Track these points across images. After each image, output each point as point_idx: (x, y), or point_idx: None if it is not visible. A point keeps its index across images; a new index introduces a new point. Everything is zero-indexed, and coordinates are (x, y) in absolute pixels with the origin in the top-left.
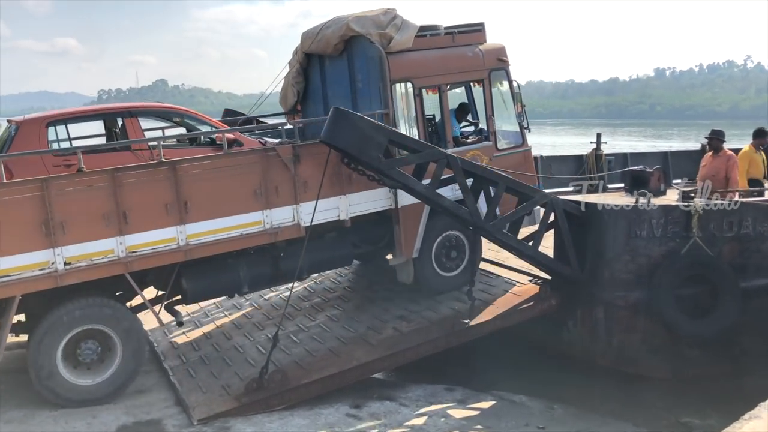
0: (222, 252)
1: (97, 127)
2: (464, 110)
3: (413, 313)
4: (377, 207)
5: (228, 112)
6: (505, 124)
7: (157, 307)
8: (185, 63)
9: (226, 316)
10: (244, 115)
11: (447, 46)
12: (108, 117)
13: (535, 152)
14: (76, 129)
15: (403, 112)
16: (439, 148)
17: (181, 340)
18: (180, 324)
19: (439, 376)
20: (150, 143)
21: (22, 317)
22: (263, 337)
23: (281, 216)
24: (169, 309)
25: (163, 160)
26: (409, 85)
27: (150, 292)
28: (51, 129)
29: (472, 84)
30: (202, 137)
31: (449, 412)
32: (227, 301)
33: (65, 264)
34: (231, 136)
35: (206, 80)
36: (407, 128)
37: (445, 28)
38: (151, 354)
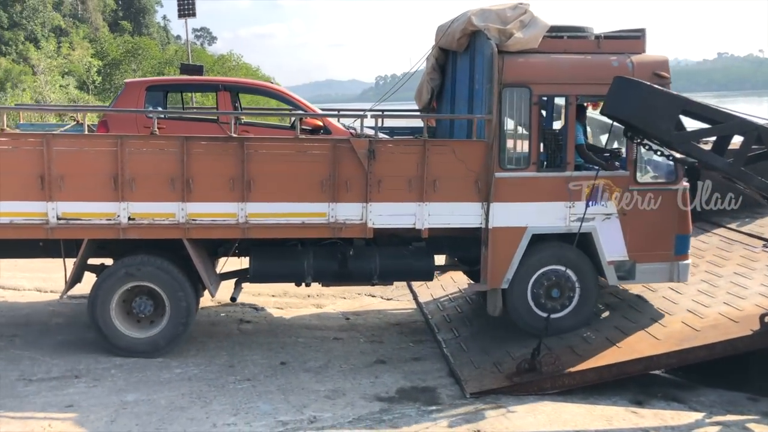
0: (280, 237)
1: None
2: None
3: (705, 307)
4: (463, 222)
5: None
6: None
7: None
8: None
9: None
10: None
11: (587, 52)
12: (202, 88)
13: None
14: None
15: (514, 121)
16: (750, 118)
17: (453, 314)
18: (233, 300)
19: (736, 383)
20: (237, 117)
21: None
22: None
23: (348, 212)
24: (237, 284)
25: (234, 135)
26: (526, 90)
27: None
28: (151, 93)
29: None
30: (292, 120)
31: (750, 425)
32: None
33: (129, 219)
34: (318, 122)
35: None
36: (514, 141)
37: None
38: (425, 325)
